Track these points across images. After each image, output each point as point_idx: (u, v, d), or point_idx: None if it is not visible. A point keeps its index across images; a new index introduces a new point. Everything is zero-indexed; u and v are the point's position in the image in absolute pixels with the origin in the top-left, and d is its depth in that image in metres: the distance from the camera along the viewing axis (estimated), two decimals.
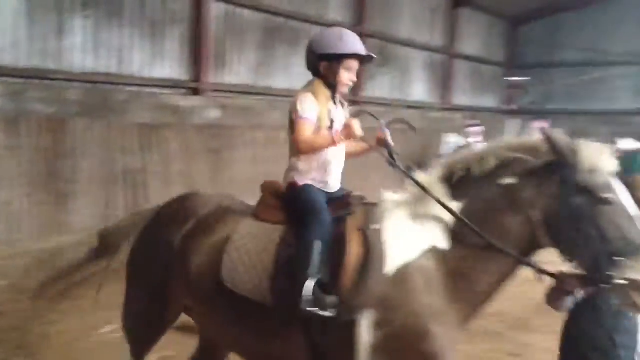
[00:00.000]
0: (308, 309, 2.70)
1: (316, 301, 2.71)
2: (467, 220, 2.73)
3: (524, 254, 2.74)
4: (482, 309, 2.90)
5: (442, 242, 2.82)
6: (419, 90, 16.97)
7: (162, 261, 3.27)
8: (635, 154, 6.65)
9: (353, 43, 3.18)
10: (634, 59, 18.87)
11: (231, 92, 11.20)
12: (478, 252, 2.75)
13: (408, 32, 15.95)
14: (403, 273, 2.75)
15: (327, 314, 2.69)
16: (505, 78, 20.93)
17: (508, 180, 2.74)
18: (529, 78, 20.60)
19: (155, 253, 3.33)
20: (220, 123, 10.47)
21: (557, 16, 20.16)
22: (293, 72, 11.94)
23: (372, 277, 2.73)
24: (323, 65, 3.19)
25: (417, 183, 2.90)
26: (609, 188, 2.58)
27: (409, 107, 16.09)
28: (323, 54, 3.16)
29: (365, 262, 2.78)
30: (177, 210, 3.43)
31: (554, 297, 2.87)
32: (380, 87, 15.20)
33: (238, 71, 11.31)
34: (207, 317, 3.26)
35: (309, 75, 3.28)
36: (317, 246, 2.82)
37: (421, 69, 16.96)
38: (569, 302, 2.88)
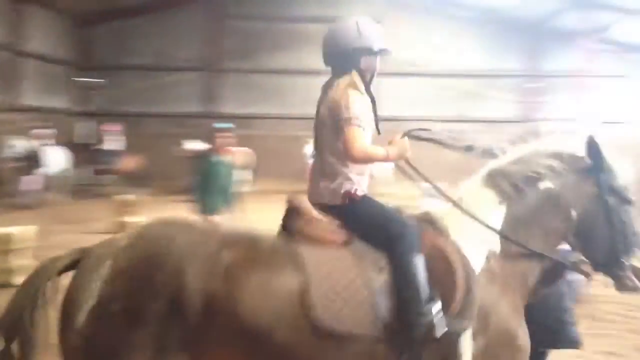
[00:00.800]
0: (438, 333, 2.58)
1: (441, 325, 2.60)
2: (507, 235, 2.92)
3: (553, 249, 3.04)
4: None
5: (496, 245, 2.94)
6: None
7: (182, 327, 2.46)
8: (204, 156, 7.14)
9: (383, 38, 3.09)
10: (199, 65, 20.57)
11: None
12: (524, 253, 2.95)
13: None
14: (482, 280, 2.80)
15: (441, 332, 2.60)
16: (76, 79, 20.46)
17: (550, 184, 2.97)
18: (103, 80, 20.56)
19: (163, 319, 2.44)
20: None
21: (129, 20, 20.59)
22: None
23: (474, 290, 2.72)
24: (365, 59, 2.98)
25: (453, 202, 2.99)
26: (627, 190, 3.01)
27: None
28: (370, 47, 2.98)
29: (466, 276, 2.75)
30: (177, 255, 2.53)
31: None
32: None
33: None
34: None
35: None
36: (421, 262, 2.69)
37: None
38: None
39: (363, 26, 2.99)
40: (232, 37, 20.71)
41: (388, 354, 2.62)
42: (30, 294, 2.61)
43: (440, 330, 2.58)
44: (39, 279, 2.65)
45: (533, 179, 2.98)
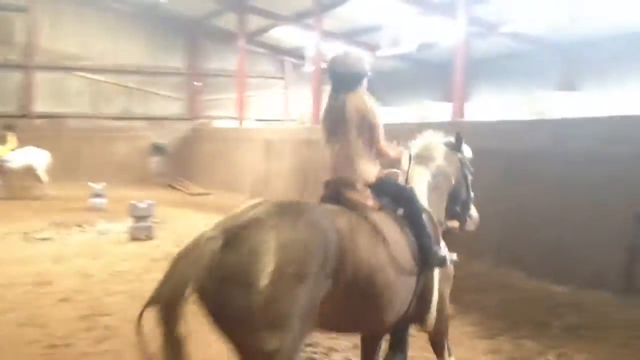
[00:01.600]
0: (449, 262, 3.91)
1: (445, 257, 3.85)
2: (425, 207, 4.01)
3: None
4: None
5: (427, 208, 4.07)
6: None
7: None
8: None
9: None
10: None
11: None
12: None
13: None
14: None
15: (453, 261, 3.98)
16: None
17: (443, 162, 4.28)
18: None
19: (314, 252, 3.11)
20: None
21: None
22: None
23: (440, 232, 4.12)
24: (364, 81, 3.95)
25: (406, 180, 4.16)
26: (470, 164, 4.53)
27: None
28: (369, 73, 3.96)
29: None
30: (321, 228, 3.20)
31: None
32: None
33: None
34: (375, 297, 3.46)
35: None
36: (425, 217, 3.88)
37: None
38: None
39: (363, 57, 4.09)
40: None
41: (413, 282, 3.71)
42: (194, 270, 2.86)
43: (449, 260, 3.88)
44: (201, 257, 2.88)
45: (434, 158, 4.28)
